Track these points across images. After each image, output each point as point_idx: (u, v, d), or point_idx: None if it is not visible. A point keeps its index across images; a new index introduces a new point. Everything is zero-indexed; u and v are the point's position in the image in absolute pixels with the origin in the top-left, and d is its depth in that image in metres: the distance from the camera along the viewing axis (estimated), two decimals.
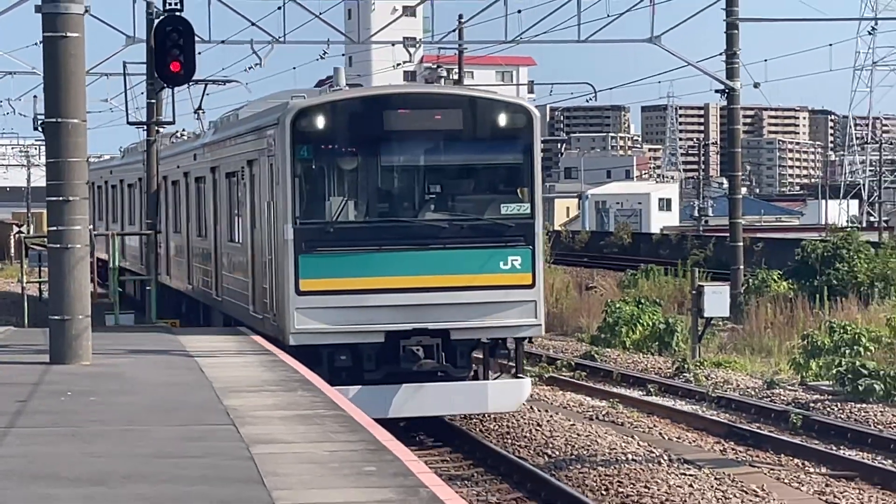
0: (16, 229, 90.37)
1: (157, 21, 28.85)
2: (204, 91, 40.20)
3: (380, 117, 26.03)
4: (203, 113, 41.14)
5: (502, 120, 26.31)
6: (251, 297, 28.47)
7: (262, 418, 16.45)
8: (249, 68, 56.95)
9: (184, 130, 44.28)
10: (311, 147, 25.71)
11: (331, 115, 25.88)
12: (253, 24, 44.62)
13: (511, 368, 28.00)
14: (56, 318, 21.63)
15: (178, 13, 27.64)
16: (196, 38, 27.49)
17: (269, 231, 26.63)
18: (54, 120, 21.46)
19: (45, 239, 24.34)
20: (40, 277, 43.76)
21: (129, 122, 43.54)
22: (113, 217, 56.25)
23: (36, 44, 23.16)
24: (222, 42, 46.11)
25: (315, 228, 25.38)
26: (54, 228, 21.78)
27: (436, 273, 25.63)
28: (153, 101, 35.14)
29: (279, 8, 44.01)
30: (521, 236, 26.05)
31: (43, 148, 21.71)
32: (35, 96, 67.09)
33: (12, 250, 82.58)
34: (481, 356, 27.68)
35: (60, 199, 21.46)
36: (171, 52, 25.89)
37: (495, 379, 27.17)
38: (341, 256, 25.56)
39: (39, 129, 36.00)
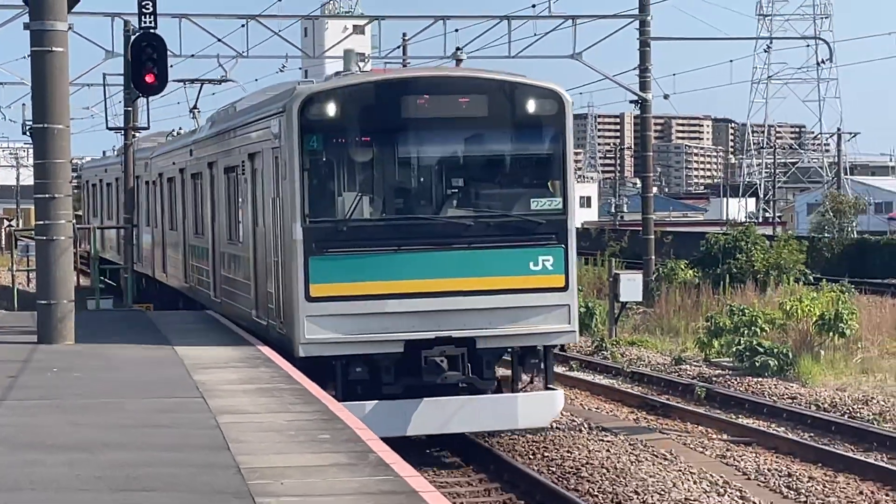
0: (6, 223, 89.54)
1: (133, 37, 28.71)
2: (200, 90, 37.77)
3: (397, 104, 21.14)
4: (199, 112, 38.25)
5: (532, 106, 21.47)
6: (254, 302, 23.71)
7: (228, 391, 16.42)
8: (219, 80, 56.70)
9: (180, 129, 40.96)
10: (321, 137, 20.88)
11: (343, 102, 20.93)
12: (219, 40, 44.50)
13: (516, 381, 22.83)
14: (43, 302, 21.56)
15: (152, 30, 27.45)
16: (168, 53, 27.26)
17: (275, 230, 21.85)
18: (41, 125, 21.39)
19: (33, 232, 24.16)
20: (28, 266, 43.35)
21: (108, 128, 43.03)
22: (108, 213, 50.52)
23: (24, 57, 22.99)
24: (192, 56, 45.91)
25: (326, 227, 20.62)
26: (41, 222, 21.75)
27: (460, 275, 20.90)
28: (130, 108, 35.07)
29: (242, 25, 43.78)
30: (553, 234, 21.27)
31: (31, 150, 21.67)
32: (24, 104, 67.14)
33: (3, 242, 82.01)
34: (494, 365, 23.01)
35: (46, 196, 21.39)
36: (145, 65, 25.65)
37: (523, 391, 22.24)
38: (355, 258, 20.73)
39: (28, 133, 35.81)
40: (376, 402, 20.23)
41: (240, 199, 25.30)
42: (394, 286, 20.60)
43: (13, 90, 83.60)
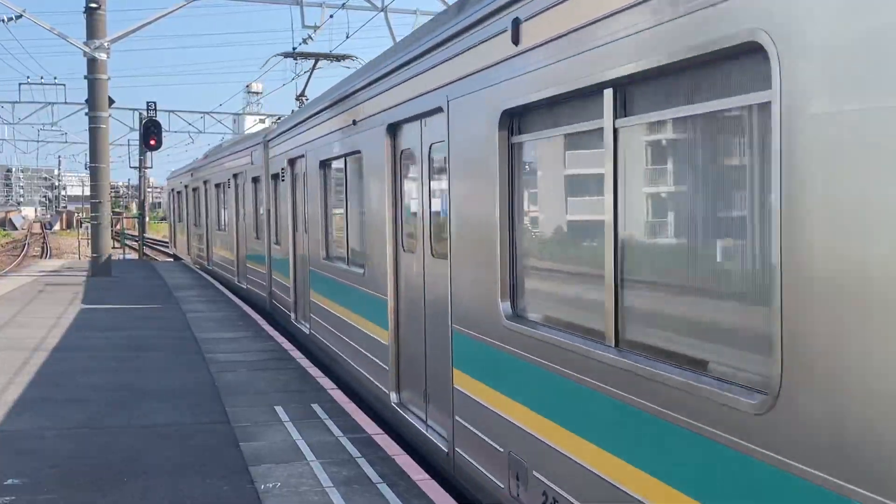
0: (76, 214, 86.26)
1: (143, 121, 27.84)
2: (314, 66, 17.65)
3: None
4: (306, 100, 19.31)
5: None
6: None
7: (192, 301, 16.05)
8: (188, 144, 55.13)
9: (279, 117, 23.30)
10: None
11: None
12: (189, 124, 43.17)
13: None
14: (95, 255, 20.93)
15: (154, 118, 26.81)
16: (162, 129, 26.52)
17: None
18: (94, 165, 20.74)
19: (90, 218, 23.28)
20: (88, 236, 41.53)
21: (130, 167, 41.83)
22: (192, 212, 26.08)
23: (85, 130, 22.11)
24: (175, 132, 44.63)
25: None
26: (93, 214, 21.05)
27: None
28: (142, 157, 33.70)
29: (201, 117, 42.60)
30: None
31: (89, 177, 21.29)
32: (86, 153, 64.47)
33: (75, 224, 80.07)
34: None
35: (96, 201, 20.76)
36: (150, 135, 24.93)
37: None
38: None
39: (87, 168, 34.25)
40: None
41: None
42: None
43: (81, 147, 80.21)
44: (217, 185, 19.66)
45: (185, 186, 26.48)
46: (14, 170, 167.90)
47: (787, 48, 2.59)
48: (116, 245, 37.89)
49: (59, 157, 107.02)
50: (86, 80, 20.20)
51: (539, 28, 4.14)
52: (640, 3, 3.33)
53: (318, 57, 16.64)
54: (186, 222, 26.65)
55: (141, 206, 35.26)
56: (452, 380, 5.41)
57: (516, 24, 4.33)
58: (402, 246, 6.71)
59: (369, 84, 7.22)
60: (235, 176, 16.39)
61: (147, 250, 36.81)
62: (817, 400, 2.44)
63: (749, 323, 2.87)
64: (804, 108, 2.54)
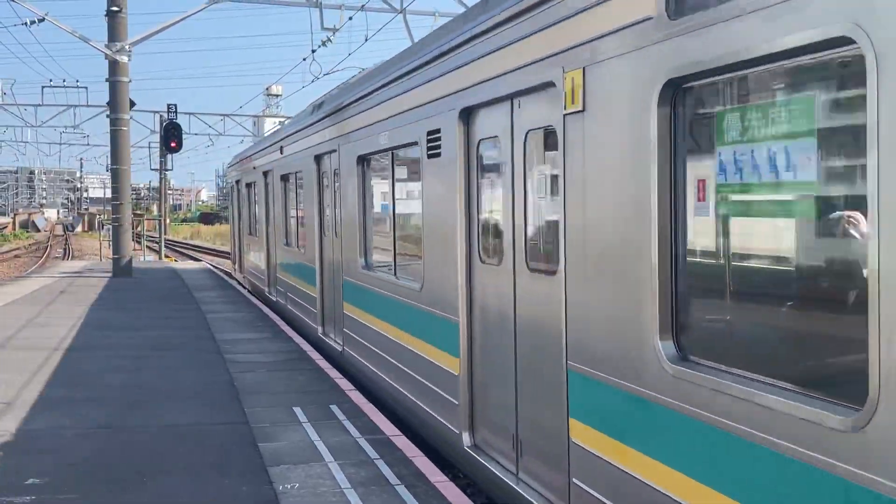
0: (98, 216, 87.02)
1: (164, 123, 27.96)
2: None
3: None
4: None
5: None
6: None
7: (211, 302, 16.09)
8: (208, 146, 55.46)
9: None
10: None
11: None
12: (209, 126, 43.47)
13: None
14: (116, 256, 21.14)
15: (174, 120, 26.93)
16: (183, 131, 26.64)
17: None
18: (115, 167, 20.91)
19: (111, 220, 23.41)
20: (108, 238, 41.78)
21: (151, 169, 42.00)
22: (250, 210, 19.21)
23: (106, 132, 22.22)
24: (195, 134, 44.90)
25: None
26: (114, 216, 21.17)
27: None
28: (162, 158, 33.89)
29: (221, 119, 42.83)
30: None
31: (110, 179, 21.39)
32: (107, 155, 64.89)
33: (97, 225, 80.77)
34: None
35: (118, 203, 20.89)
36: (171, 138, 25.08)
37: None
38: None
39: (108, 170, 34.27)
40: None
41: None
42: None
43: (102, 149, 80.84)
44: (363, 163, 8.69)
45: (265, 174, 14.88)
46: (37, 172, 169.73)
47: None
48: (137, 247, 38.20)
49: (81, 159, 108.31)
50: (107, 83, 20.33)
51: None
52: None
53: None
54: (267, 238, 14.91)
55: (161, 203, 35.49)
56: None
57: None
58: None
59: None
60: (436, 135, 6.40)
61: (168, 251, 36.99)
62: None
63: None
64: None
